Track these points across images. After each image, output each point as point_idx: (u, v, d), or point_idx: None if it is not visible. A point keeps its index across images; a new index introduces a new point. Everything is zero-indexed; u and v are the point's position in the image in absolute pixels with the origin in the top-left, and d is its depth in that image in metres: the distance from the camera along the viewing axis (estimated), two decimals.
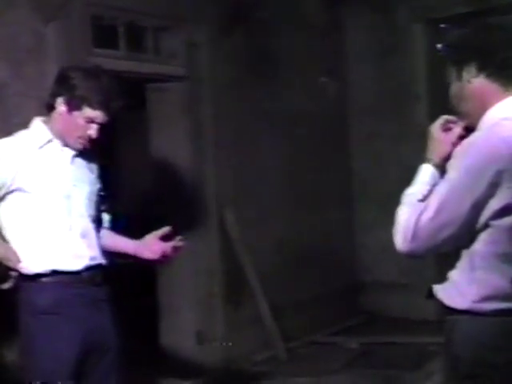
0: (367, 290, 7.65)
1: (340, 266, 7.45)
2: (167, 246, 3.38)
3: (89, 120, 3.14)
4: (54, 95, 3.18)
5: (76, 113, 3.13)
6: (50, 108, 3.21)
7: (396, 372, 5.72)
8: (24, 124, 3.33)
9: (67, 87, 3.15)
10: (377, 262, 7.51)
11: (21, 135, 3.22)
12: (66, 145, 3.22)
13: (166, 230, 3.42)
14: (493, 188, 2.20)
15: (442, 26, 7.21)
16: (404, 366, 5.85)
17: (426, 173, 2.42)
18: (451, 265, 2.33)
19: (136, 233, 3.51)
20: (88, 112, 3.13)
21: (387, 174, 7.43)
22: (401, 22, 7.47)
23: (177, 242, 3.39)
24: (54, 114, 3.19)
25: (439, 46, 2.58)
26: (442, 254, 2.34)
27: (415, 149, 6.55)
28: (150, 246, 3.39)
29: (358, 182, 7.78)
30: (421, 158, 2.51)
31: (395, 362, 6.04)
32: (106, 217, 3.45)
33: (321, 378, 5.75)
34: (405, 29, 7.45)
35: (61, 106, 3.16)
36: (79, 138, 3.17)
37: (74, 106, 3.13)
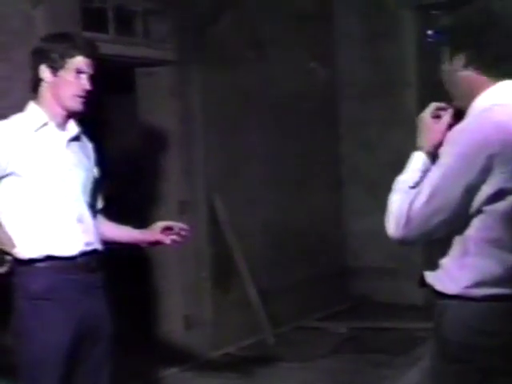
0: (355, 274, 7.67)
1: (328, 251, 7.46)
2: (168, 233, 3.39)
3: (77, 71, 3.13)
4: (35, 67, 3.17)
5: (62, 71, 3.13)
6: (36, 84, 3.19)
7: (384, 357, 5.75)
8: (12, 107, 3.30)
9: (44, 54, 3.16)
10: (365, 247, 7.53)
11: (16, 118, 3.19)
12: (62, 124, 3.20)
13: (170, 223, 3.41)
14: (485, 173, 2.20)
15: (433, 12, 7.20)
16: (392, 351, 5.88)
17: (417, 160, 2.41)
18: (439, 250, 2.33)
19: (125, 214, 3.51)
20: (71, 63, 3.13)
21: (376, 160, 7.45)
22: (391, 8, 7.46)
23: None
24: (43, 87, 3.17)
25: (429, 32, 2.56)
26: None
27: (404, 135, 6.59)
28: (154, 236, 3.40)
29: (347, 167, 7.78)
30: (410, 144, 2.50)
31: (383, 347, 6.07)
32: (99, 202, 3.42)
33: (309, 363, 5.77)
34: (395, 15, 7.44)
35: (45, 72, 3.14)
36: (75, 95, 3.14)
37: (56, 65, 3.13)
